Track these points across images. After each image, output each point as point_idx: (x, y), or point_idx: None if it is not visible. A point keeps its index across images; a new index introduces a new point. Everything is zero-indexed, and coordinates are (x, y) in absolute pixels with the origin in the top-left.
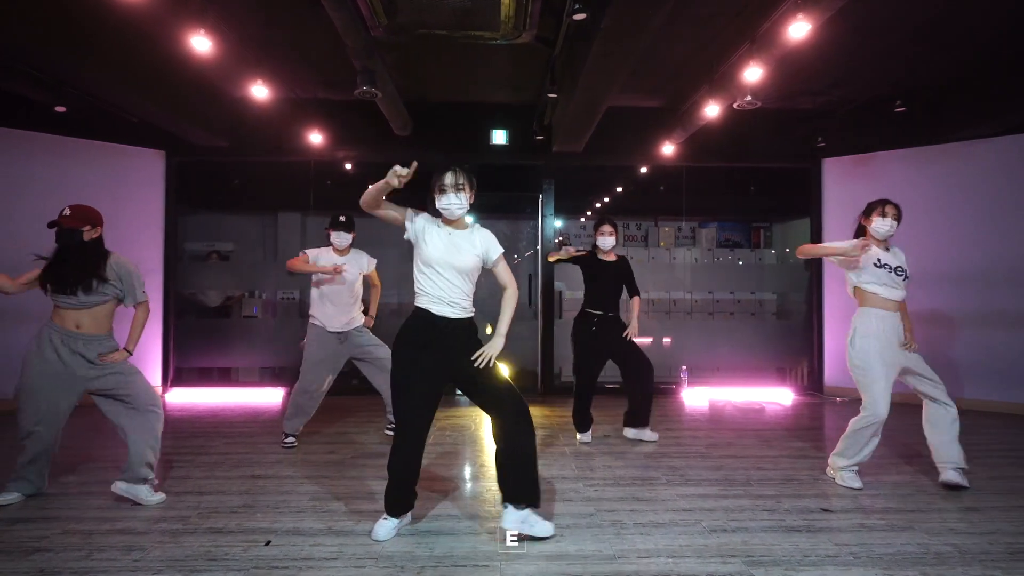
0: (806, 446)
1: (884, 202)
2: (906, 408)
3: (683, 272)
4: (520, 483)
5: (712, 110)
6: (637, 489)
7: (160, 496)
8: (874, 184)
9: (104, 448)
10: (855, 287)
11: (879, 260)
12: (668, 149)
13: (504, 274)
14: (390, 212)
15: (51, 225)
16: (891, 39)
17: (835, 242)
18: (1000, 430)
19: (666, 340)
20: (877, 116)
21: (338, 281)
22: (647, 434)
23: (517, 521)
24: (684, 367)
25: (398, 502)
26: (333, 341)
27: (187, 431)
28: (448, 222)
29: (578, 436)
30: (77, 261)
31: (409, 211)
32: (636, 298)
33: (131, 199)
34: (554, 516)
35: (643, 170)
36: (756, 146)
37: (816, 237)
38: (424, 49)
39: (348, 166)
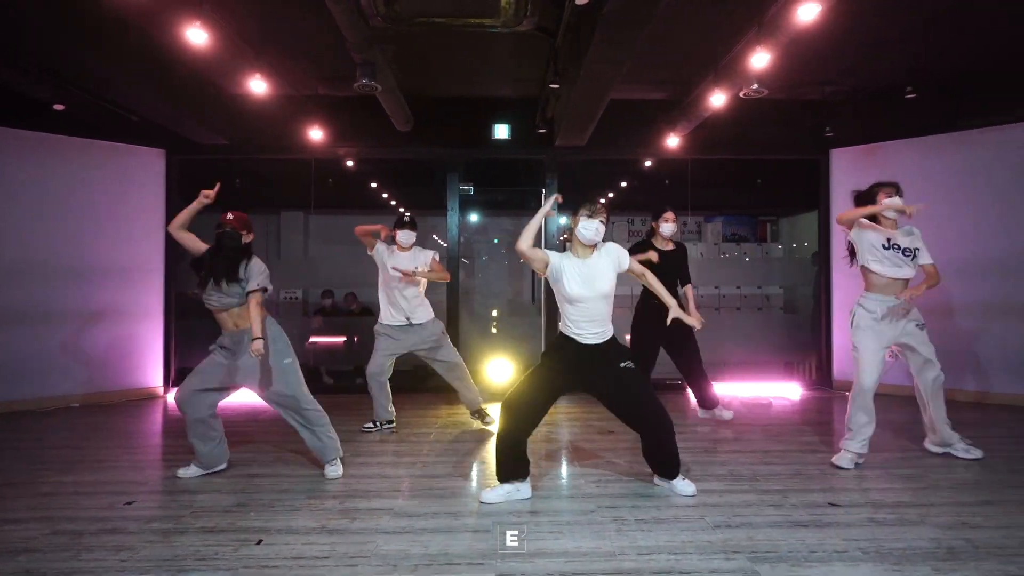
0: (814, 440)
1: (885, 184)
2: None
3: (688, 266)
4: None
5: (718, 99)
6: (640, 485)
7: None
8: (884, 173)
9: (101, 450)
10: (862, 266)
11: (888, 241)
12: (673, 141)
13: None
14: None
15: (218, 227)
16: (903, 24)
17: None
18: (1020, 423)
19: None
20: (887, 105)
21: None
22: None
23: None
24: None
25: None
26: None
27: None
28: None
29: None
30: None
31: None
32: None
33: (132, 198)
34: (556, 513)
35: (647, 164)
36: (763, 137)
37: (825, 229)
38: (424, 42)
39: (349, 163)
